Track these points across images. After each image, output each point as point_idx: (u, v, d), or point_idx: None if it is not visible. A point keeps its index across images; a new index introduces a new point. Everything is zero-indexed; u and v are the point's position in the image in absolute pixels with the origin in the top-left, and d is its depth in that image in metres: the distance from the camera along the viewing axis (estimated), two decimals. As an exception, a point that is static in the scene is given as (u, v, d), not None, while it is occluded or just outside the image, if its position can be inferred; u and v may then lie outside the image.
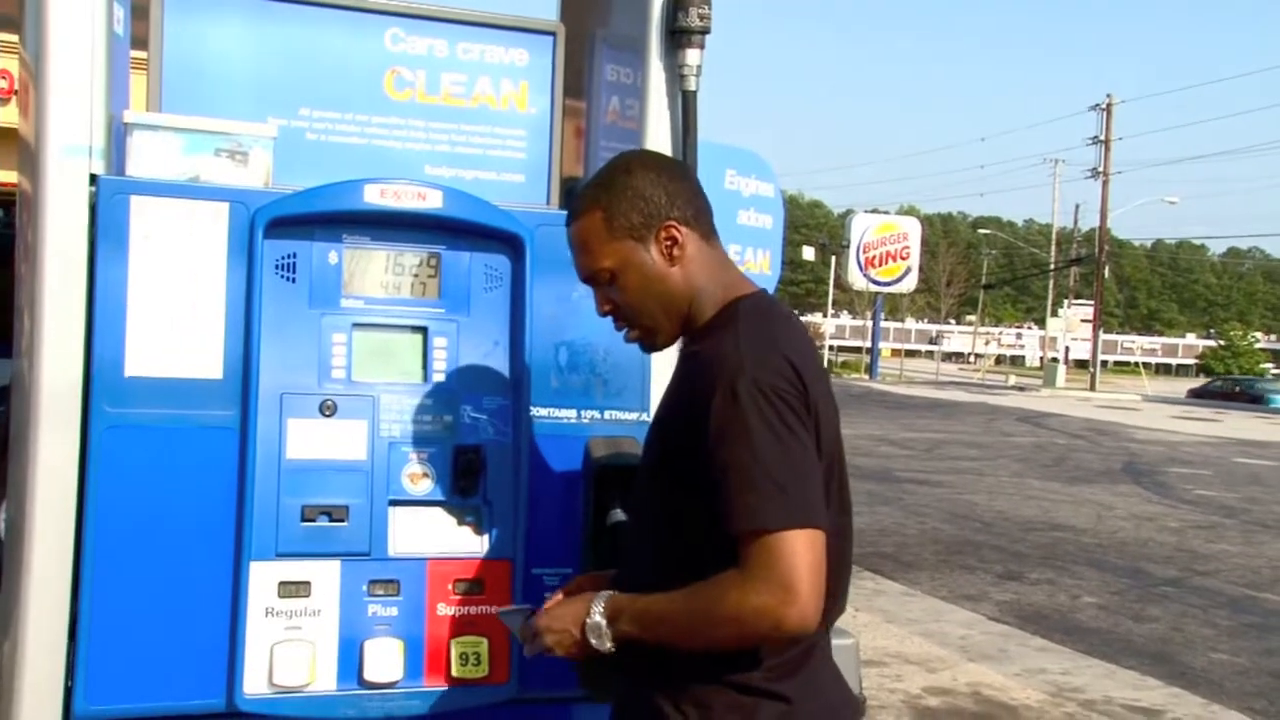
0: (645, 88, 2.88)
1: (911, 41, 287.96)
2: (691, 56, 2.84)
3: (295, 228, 2.62)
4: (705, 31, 2.82)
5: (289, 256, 2.63)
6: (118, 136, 2.58)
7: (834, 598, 2.10)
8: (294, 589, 2.57)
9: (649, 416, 2.76)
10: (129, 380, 2.49)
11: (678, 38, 2.83)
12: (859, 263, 46.84)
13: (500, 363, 2.76)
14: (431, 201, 2.66)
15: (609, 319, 2.27)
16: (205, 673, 2.52)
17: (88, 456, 2.46)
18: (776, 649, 2.02)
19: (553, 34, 3.11)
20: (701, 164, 2.88)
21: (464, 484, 2.68)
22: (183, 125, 2.60)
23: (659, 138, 2.88)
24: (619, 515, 2.57)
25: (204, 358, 2.54)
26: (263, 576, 2.55)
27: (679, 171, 2.24)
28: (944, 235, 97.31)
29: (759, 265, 4.03)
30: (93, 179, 2.48)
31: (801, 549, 1.89)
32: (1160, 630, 8.87)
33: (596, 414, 2.79)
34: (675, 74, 2.86)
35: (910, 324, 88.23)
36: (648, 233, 2.15)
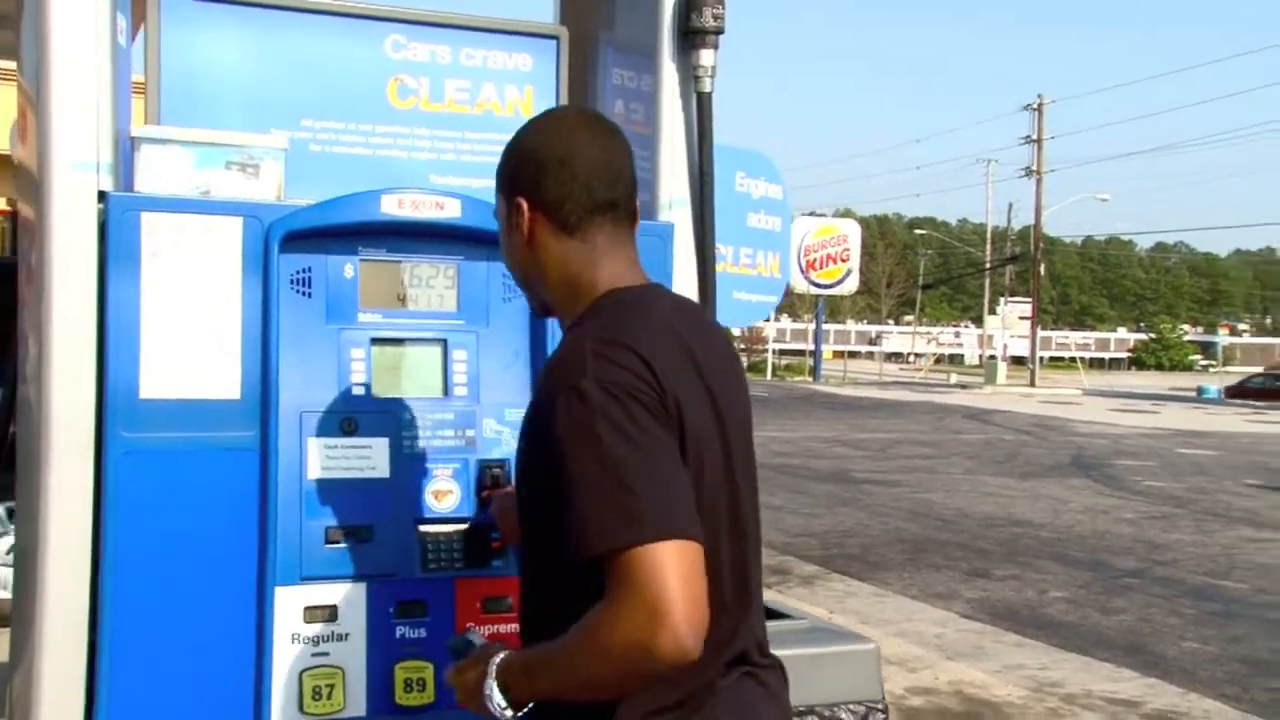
0: (658, 91, 2.84)
1: (844, 45, 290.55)
2: (706, 57, 2.80)
3: (309, 241, 2.55)
4: (719, 31, 2.78)
5: (304, 271, 2.56)
6: (124, 152, 2.49)
7: (734, 622, 1.89)
8: (320, 613, 2.50)
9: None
10: (144, 403, 2.41)
11: (691, 39, 2.79)
12: (800, 266, 47.03)
13: (522, 374, 2.71)
14: (450, 210, 2.60)
15: None
16: (231, 703, 2.44)
17: (103, 483, 2.38)
18: (664, 687, 1.77)
19: (556, 38, 3.06)
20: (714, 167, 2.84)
21: (489, 499, 2.62)
22: (192, 138, 2.52)
23: (673, 141, 2.84)
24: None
25: (221, 377, 2.46)
26: (288, 601, 2.47)
27: (567, 146, 1.97)
28: (881, 237, 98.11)
29: (769, 268, 3.99)
30: (101, 196, 2.39)
31: (668, 563, 1.64)
32: (1129, 621, 8.94)
33: (620, 423, 2.73)
34: (689, 75, 2.82)
35: (850, 325, 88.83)
36: (505, 194, 2.04)
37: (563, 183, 1.95)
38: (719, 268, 2.96)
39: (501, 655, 1.90)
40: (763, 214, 4.07)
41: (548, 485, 1.78)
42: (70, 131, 2.37)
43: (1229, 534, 13.20)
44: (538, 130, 2.01)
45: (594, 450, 1.71)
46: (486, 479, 2.62)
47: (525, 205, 1.98)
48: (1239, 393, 48.97)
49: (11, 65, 3.05)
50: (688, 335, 1.91)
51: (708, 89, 2.81)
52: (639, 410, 1.73)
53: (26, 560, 2.46)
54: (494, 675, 1.87)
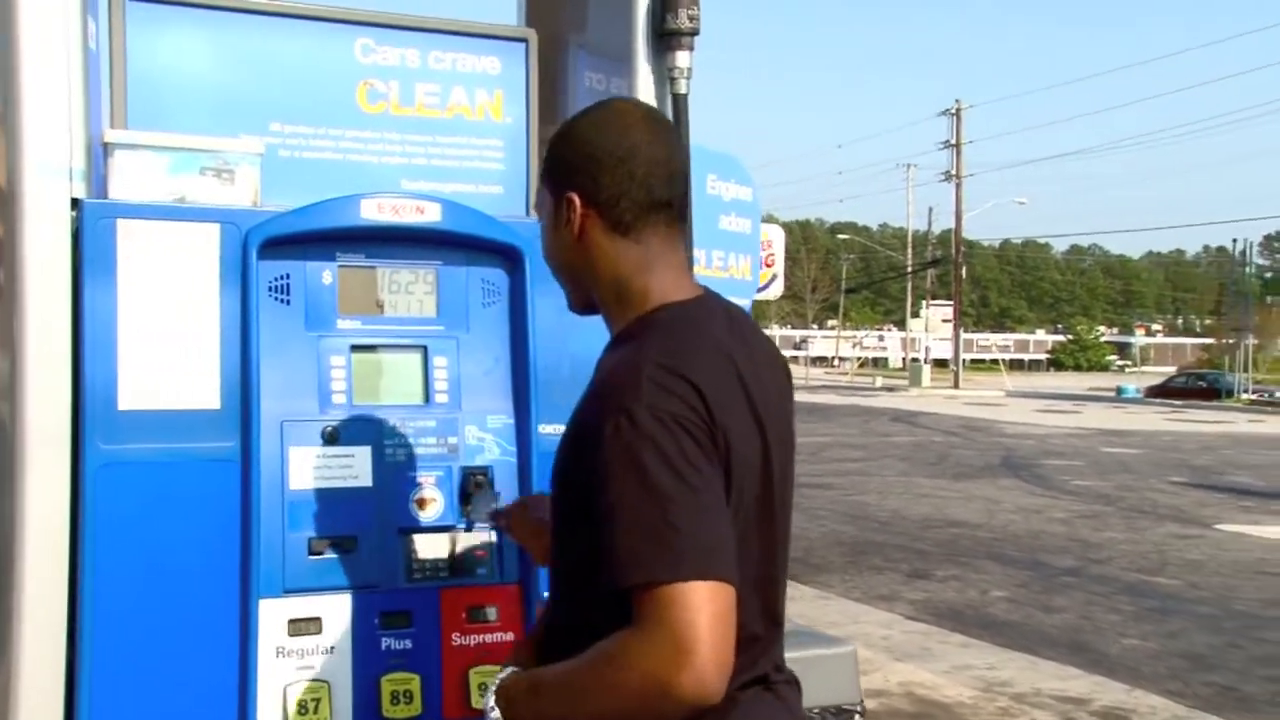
0: (633, 93, 2.82)
1: (764, 50, 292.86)
2: (682, 59, 2.79)
3: (287, 247, 2.51)
4: (695, 33, 2.77)
5: (282, 278, 2.51)
6: (96, 159, 2.43)
7: (758, 652, 1.85)
8: (304, 626, 2.45)
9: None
10: (123, 414, 2.35)
11: (667, 40, 2.78)
12: (726, 273, 47.24)
13: (503, 380, 2.68)
14: (430, 215, 2.56)
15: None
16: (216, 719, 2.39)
17: (81, 497, 2.31)
18: None
19: (524, 41, 3.04)
20: (688, 169, 2.83)
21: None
22: (166, 144, 2.46)
23: (649, 143, 2.82)
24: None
25: (201, 387, 2.41)
26: (272, 614, 2.42)
27: (628, 144, 1.88)
28: (804, 242, 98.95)
29: (741, 270, 3.98)
30: (75, 203, 2.33)
31: (700, 603, 1.59)
32: (1070, 620, 9.07)
33: (603, 428, 2.71)
34: (664, 77, 2.81)
35: (776, 330, 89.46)
36: (555, 187, 1.95)
37: (620, 181, 1.87)
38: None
39: (507, 671, 1.87)
40: (734, 216, 4.06)
41: (583, 501, 1.74)
42: (42, 138, 2.30)
43: (1158, 531, 13.48)
44: (595, 124, 1.92)
45: (638, 479, 1.66)
46: (469, 486, 2.59)
47: (578, 201, 1.90)
48: (1161, 392, 50.31)
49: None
50: (740, 358, 1.85)
51: (684, 90, 2.80)
52: (689, 443, 1.68)
53: (1, 576, 2.39)
54: (495, 690, 1.84)
